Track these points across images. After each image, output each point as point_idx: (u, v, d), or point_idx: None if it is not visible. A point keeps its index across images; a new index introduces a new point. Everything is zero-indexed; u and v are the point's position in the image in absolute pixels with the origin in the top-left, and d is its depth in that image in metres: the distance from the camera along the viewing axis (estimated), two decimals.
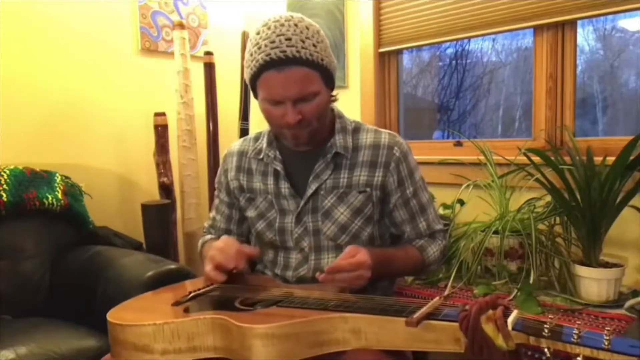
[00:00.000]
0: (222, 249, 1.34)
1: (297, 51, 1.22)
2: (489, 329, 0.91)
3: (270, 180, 1.46)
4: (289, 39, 1.22)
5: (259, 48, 1.24)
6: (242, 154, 1.54)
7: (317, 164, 1.40)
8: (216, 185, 1.62)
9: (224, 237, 1.43)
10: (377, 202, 1.42)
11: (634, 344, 0.78)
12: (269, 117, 1.34)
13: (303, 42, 1.23)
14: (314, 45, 1.25)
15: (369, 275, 1.23)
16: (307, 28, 1.26)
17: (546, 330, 0.87)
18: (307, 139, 1.35)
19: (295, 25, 1.25)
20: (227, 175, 1.55)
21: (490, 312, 0.93)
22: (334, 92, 1.41)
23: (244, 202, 1.53)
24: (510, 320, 0.91)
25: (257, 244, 1.57)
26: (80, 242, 2.21)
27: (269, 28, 1.24)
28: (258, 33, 1.26)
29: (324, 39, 1.30)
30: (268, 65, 1.23)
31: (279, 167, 1.43)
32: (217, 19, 2.97)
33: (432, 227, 1.49)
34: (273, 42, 1.22)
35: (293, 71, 1.23)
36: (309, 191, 1.40)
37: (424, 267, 1.48)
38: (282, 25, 1.24)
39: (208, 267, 1.35)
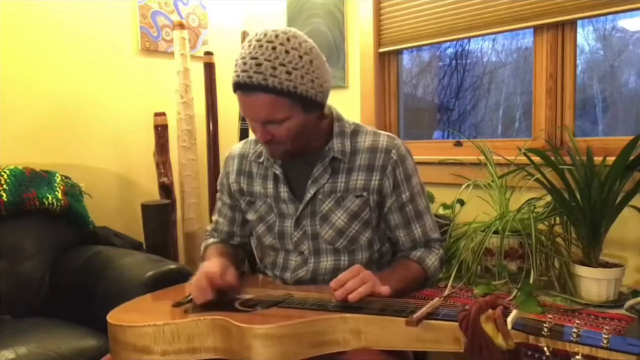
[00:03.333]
0: (196, 281, 1.26)
1: (264, 79, 1.19)
2: (488, 328, 0.91)
3: (270, 184, 1.45)
4: (259, 65, 1.19)
5: (236, 65, 1.23)
6: (242, 156, 1.53)
7: (315, 168, 1.39)
8: (218, 188, 1.62)
9: (205, 264, 1.32)
10: (374, 207, 1.40)
11: (632, 342, 0.78)
12: (250, 128, 1.35)
13: (275, 68, 1.19)
14: (288, 72, 1.20)
15: (373, 275, 1.19)
16: (287, 52, 1.21)
17: (545, 330, 0.87)
18: (283, 156, 1.35)
19: (274, 48, 1.20)
20: (229, 178, 1.55)
21: (490, 311, 0.93)
22: (327, 110, 1.40)
23: (244, 205, 1.53)
24: (509, 319, 0.91)
25: (258, 247, 1.57)
26: (80, 242, 2.22)
27: (249, 46, 1.22)
28: (243, 47, 1.25)
29: (307, 61, 1.24)
30: (236, 87, 1.24)
31: (278, 171, 1.42)
32: (217, 19, 2.97)
33: (428, 235, 1.45)
34: (245, 64, 1.20)
35: (259, 97, 1.21)
36: (308, 195, 1.39)
37: (426, 279, 1.44)
38: (261, 46, 1.20)
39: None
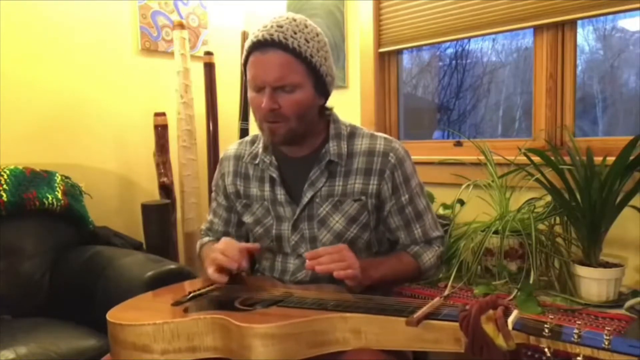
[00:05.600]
0: (223, 250, 1.33)
1: (285, 37, 1.24)
2: (489, 328, 0.91)
3: (267, 187, 1.45)
4: (280, 26, 1.26)
5: (253, 32, 1.29)
6: (238, 158, 1.52)
7: (312, 171, 1.39)
8: (213, 188, 1.61)
9: (224, 239, 1.42)
10: (372, 210, 1.40)
11: (633, 344, 0.78)
12: (252, 107, 1.35)
13: (295, 33, 1.26)
14: (307, 41, 1.27)
15: (352, 255, 1.23)
16: (306, 26, 1.29)
17: (546, 330, 0.87)
18: (283, 137, 1.33)
19: (294, 19, 1.28)
20: (225, 179, 1.54)
21: (491, 311, 0.93)
22: (329, 106, 1.42)
23: (241, 207, 1.52)
24: (510, 320, 0.91)
25: None
26: (80, 242, 2.21)
27: (269, 20, 1.29)
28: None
29: (322, 41, 1.32)
30: (255, 47, 1.27)
31: (274, 173, 1.42)
32: (217, 19, 2.97)
33: (428, 235, 1.46)
34: (265, 26, 1.27)
35: (277, 55, 1.25)
36: (305, 199, 1.39)
37: (420, 273, 1.45)
38: (282, 18, 1.28)
39: (210, 270, 1.34)
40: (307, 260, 1.22)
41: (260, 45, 1.26)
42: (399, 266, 1.41)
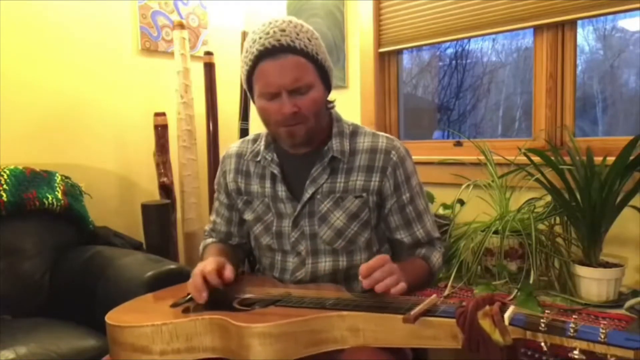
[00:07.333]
0: (192, 281, 1.26)
1: (292, 40, 1.25)
2: (485, 324, 0.91)
3: (268, 184, 1.45)
4: (283, 30, 1.26)
5: (254, 42, 1.27)
6: (240, 156, 1.53)
7: (314, 168, 1.39)
8: (215, 187, 1.61)
9: (200, 264, 1.30)
10: (373, 207, 1.40)
11: (630, 337, 0.78)
12: (265, 115, 1.34)
13: (297, 34, 1.27)
14: (308, 40, 1.28)
15: (399, 270, 1.18)
16: (302, 26, 1.30)
17: (543, 325, 0.87)
18: (303, 138, 1.33)
19: (290, 21, 1.29)
20: (226, 177, 1.54)
21: (487, 307, 0.93)
22: (332, 98, 1.42)
23: (242, 205, 1.52)
24: (507, 315, 0.91)
25: (255, 247, 1.57)
26: (80, 242, 2.22)
27: (264, 25, 1.28)
28: (254, 32, 1.29)
29: (318, 37, 1.33)
30: (263, 55, 1.26)
31: (275, 170, 1.42)
32: (217, 19, 2.97)
33: (430, 235, 1.46)
34: (267, 33, 1.26)
35: (288, 59, 1.25)
36: (306, 195, 1.39)
37: (431, 275, 1.46)
38: (277, 21, 1.28)
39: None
40: (363, 280, 1.15)
41: (268, 53, 1.26)
42: (416, 272, 1.39)
